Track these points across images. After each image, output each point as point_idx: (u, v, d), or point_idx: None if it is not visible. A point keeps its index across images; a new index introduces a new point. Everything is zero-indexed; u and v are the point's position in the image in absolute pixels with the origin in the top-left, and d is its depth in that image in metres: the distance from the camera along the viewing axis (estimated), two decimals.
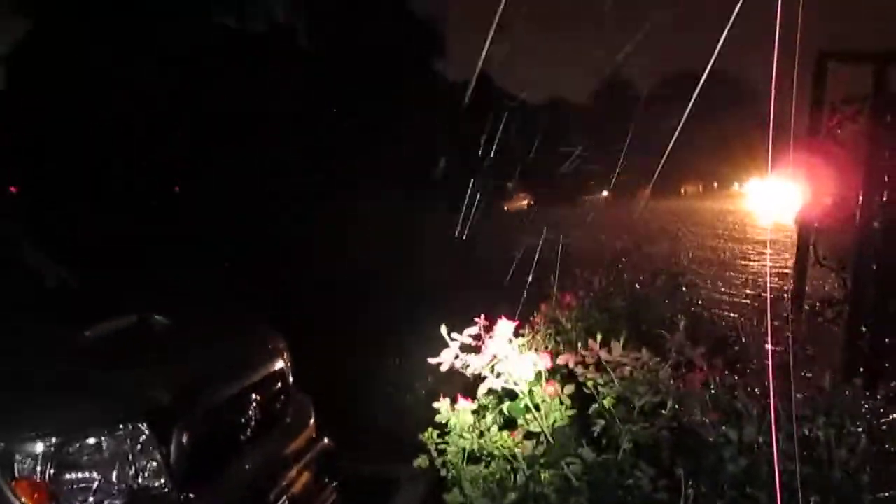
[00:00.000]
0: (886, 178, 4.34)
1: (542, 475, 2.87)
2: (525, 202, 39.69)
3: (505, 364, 3.04)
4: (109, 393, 2.76)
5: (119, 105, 23.19)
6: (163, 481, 2.69)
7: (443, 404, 3.23)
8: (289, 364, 3.69)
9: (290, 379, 3.69)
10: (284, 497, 3.19)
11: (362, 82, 30.86)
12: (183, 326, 3.53)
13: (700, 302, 5.21)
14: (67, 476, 2.57)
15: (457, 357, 3.07)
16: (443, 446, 3.21)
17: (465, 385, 3.30)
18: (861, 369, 4.02)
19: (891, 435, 2.52)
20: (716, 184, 64.03)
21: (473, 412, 3.22)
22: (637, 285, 4.69)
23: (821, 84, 4.50)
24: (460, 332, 3.12)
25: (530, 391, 3.07)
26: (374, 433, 5.04)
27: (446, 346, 3.10)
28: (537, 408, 3.07)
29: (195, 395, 2.94)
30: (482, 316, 3.14)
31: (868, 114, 4.47)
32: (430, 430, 3.26)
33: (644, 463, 2.69)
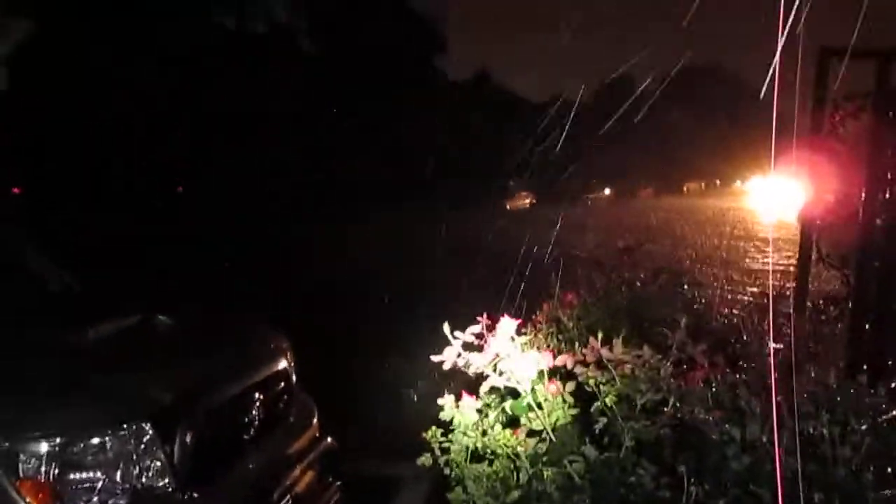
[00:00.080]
0: (889, 175, 4.33)
1: (545, 473, 2.87)
2: (527, 201, 39.69)
3: (507, 362, 3.04)
4: (113, 393, 2.77)
5: (121, 106, 23.20)
6: (166, 481, 2.70)
7: (446, 401, 3.23)
8: (292, 363, 3.69)
9: (294, 378, 3.70)
10: (288, 496, 3.19)
11: (362, 82, 30.87)
12: (186, 326, 3.54)
13: (702, 300, 5.21)
14: (71, 476, 2.58)
15: (459, 355, 3.07)
16: (446, 444, 3.21)
17: (467, 384, 3.31)
18: (864, 366, 4.01)
19: (894, 432, 2.52)
20: (718, 181, 64.00)
21: (477, 410, 3.22)
22: (638, 283, 4.69)
23: (823, 81, 4.49)
24: (462, 331, 3.12)
25: (533, 390, 3.08)
26: (374, 432, 5.05)
27: (448, 344, 3.11)
28: (540, 406, 3.07)
29: (198, 395, 2.94)
30: (485, 315, 3.14)
31: (870, 110, 4.47)
32: (433, 428, 3.27)
33: (646, 461, 2.69)
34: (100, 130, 23.19)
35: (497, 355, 3.06)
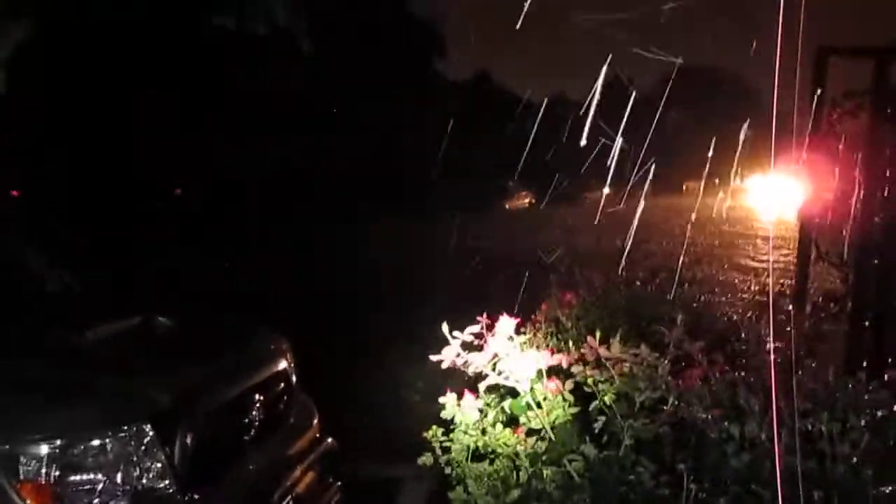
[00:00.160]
0: (887, 173, 4.34)
1: (545, 472, 2.88)
2: (526, 201, 39.62)
3: (506, 362, 3.05)
4: (113, 395, 2.77)
5: (120, 107, 23.20)
6: (167, 482, 2.70)
7: (448, 400, 3.24)
8: (292, 364, 3.69)
9: (294, 379, 3.70)
10: (289, 497, 3.19)
11: (361, 82, 30.87)
12: (186, 327, 3.54)
13: (701, 298, 5.21)
14: (72, 478, 2.58)
15: (458, 355, 3.07)
16: (447, 444, 3.21)
17: (468, 383, 3.31)
18: (864, 363, 4.02)
19: (893, 428, 2.52)
20: (717, 180, 63.96)
21: (479, 410, 3.23)
22: (637, 283, 4.69)
23: (821, 79, 4.50)
24: (463, 331, 3.12)
25: (531, 389, 3.08)
26: (371, 432, 5.05)
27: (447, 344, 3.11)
28: (539, 405, 3.08)
29: (198, 396, 2.94)
30: (484, 314, 3.15)
31: (868, 108, 4.47)
32: (434, 427, 3.27)
33: (646, 459, 2.69)
34: (98, 132, 23.20)
35: (496, 355, 3.06)
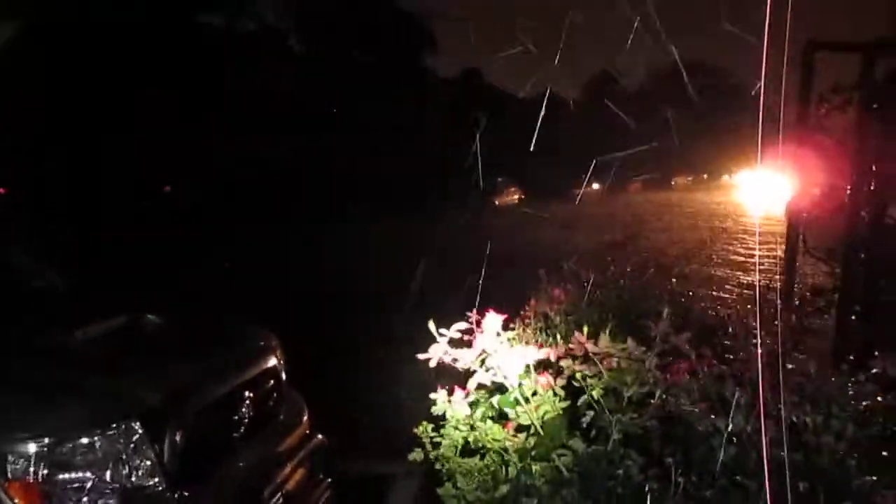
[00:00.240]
0: (874, 168, 4.37)
1: (533, 468, 2.89)
2: (516, 197, 39.64)
3: (494, 358, 3.05)
4: (101, 393, 2.76)
5: (109, 105, 23.08)
6: (156, 480, 2.69)
7: (438, 396, 3.25)
8: (281, 362, 3.69)
9: (283, 376, 3.69)
10: (279, 494, 3.20)
11: (350, 80, 30.79)
12: (174, 325, 3.53)
13: (689, 292, 5.23)
14: (61, 476, 2.57)
15: (446, 352, 3.08)
16: (438, 439, 3.22)
17: (458, 379, 3.31)
18: (851, 356, 4.04)
19: (877, 419, 2.55)
20: (706, 175, 64.16)
21: (470, 404, 3.23)
22: (625, 278, 4.71)
23: (809, 74, 4.52)
24: (457, 325, 3.13)
25: (520, 384, 3.09)
26: (362, 429, 5.06)
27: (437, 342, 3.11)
28: (527, 400, 3.09)
29: (187, 394, 2.94)
30: (474, 310, 3.15)
31: (856, 103, 4.50)
32: (424, 423, 3.28)
33: (634, 453, 2.70)
34: (87, 130, 23.08)
35: (484, 351, 3.07)
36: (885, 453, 2.54)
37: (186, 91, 25.05)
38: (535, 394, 3.11)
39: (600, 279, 4.64)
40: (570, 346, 3.06)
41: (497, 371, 3.07)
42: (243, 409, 3.24)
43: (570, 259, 4.93)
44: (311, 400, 3.85)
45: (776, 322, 3.35)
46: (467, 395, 3.22)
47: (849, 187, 4.42)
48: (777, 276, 4.82)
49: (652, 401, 2.78)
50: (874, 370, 2.85)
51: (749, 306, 4.61)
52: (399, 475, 4.63)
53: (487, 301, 3.42)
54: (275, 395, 3.57)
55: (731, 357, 3.15)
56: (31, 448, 2.53)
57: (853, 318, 4.36)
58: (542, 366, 3.23)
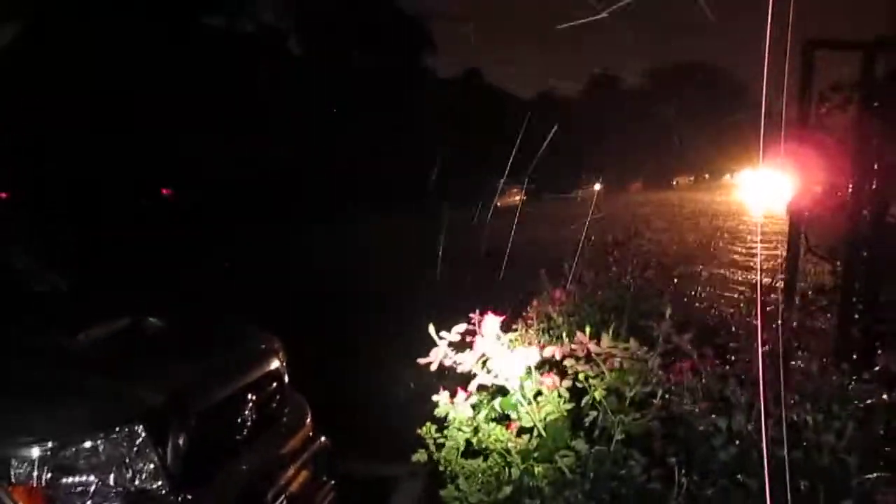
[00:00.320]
0: (875, 166, 4.37)
1: (536, 469, 2.88)
2: (517, 198, 39.64)
3: (495, 360, 3.05)
4: (104, 396, 2.77)
5: (108, 106, 23.10)
6: (160, 483, 2.70)
7: (441, 397, 3.24)
8: (284, 363, 3.69)
9: (286, 378, 3.70)
10: (282, 496, 3.20)
11: (350, 81, 30.80)
12: (177, 327, 3.53)
13: (691, 292, 5.24)
14: (64, 480, 2.57)
15: (446, 356, 3.08)
16: (441, 440, 3.22)
17: (461, 380, 3.31)
18: (853, 355, 4.05)
19: (878, 418, 2.55)
20: (707, 175, 64.21)
21: (472, 406, 3.23)
22: (628, 278, 4.71)
23: (809, 73, 4.52)
24: (459, 325, 3.12)
25: (521, 386, 3.08)
26: (365, 431, 5.05)
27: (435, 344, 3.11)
28: (529, 402, 3.08)
29: (190, 397, 2.94)
30: (477, 311, 3.15)
31: (857, 102, 4.50)
32: (428, 424, 3.28)
33: (637, 453, 2.70)
34: (87, 130, 23.10)
35: (485, 354, 3.06)
36: (886, 450, 2.54)
37: (186, 92, 25.06)
38: (539, 394, 3.11)
39: (602, 279, 4.64)
40: (573, 346, 3.06)
41: (498, 373, 3.06)
42: (246, 412, 3.24)
43: (570, 259, 4.93)
44: (313, 401, 3.85)
45: (778, 321, 3.35)
46: (469, 397, 3.22)
47: (850, 186, 4.42)
48: (779, 275, 4.81)
49: (654, 401, 2.78)
50: (876, 368, 2.85)
51: (751, 305, 4.61)
52: (402, 476, 4.63)
53: (488, 301, 3.42)
54: (277, 397, 3.57)
55: (733, 357, 3.15)
56: (35, 452, 2.53)
57: (855, 316, 4.36)
58: (547, 365, 3.24)
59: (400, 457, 3.68)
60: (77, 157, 23.00)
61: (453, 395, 3.23)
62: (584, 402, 2.98)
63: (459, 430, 3.20)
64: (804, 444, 2.46)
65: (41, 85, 22.92)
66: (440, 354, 3.08)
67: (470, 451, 3.22)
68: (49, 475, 2.54)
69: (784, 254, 4.81)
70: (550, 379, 3.11)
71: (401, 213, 24.31)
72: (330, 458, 3.69)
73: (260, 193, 25.13)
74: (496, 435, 3.12)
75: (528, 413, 3.06)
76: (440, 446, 3.21)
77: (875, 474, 2.38)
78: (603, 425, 2.85)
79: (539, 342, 3.69)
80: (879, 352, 4.14)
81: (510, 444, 3.06)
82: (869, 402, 2.56)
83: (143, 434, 2.68)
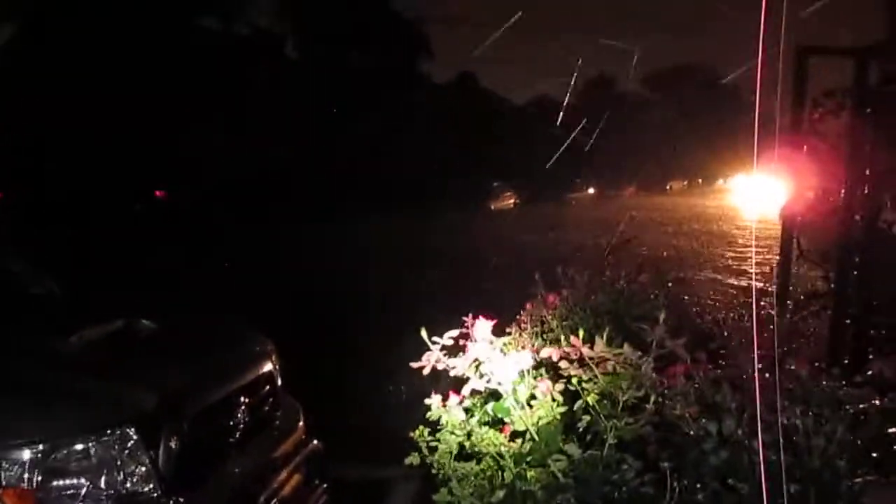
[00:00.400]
0: (867, 171, 4.39)
1: (529, 473, 2.88)
2: (511, 201, 39.73)
3: (488, 364, 3.05)
4: (96, 398, 2.76)
5: (103, 108, 23.06)
6: (151, 486, 2.69)
7: (434, 401, 3.24)
8: (277, 366, 3.68)
9: (279, 381, 3.69)
10: (274, 500, 3.19)
11: (344, 84, 30.83)
12: (170, 330, 3.52)
13: (684, 297, 5.24)
14: (55, 483, 2.56)
15: (439, 360, 3.08)
16: (434, 443, 3.22)
17: (454, 383, 3.31)
18: (845, 359, 4.06)
19: (868, 422, 2.56)
20: (700, 180, 64.45)
21: (465, 409, 3.23)
22: (621, 282, 4.71)
23: (801, 79, 4.54)
24: (455, 329, 3.12)
25: (514, 390, 3.08)
26: (358, 434, 5.05)
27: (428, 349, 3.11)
28: (522, 407, 3.08)
29: (183, 399, 2.93)
30: (470, 315, 3.15)
31: (849, 108, 4.52)
32: (420, 428, 3.27)
33: (630, 457, 2.71)
34: (81, 134, 23.05)
35: (477, 359, 3.06)
36: (874, 454, 2.55)
37: (183, 94, 25.04)
38: (532, 398, 3.11)
39: (595, 283, 4.65)
40: (566, 349, 3.06)
41: (491, 377, 3.06)
42: (239, 415, 3.24)
43: (563, 263, 4.94)
44: (305, 404, 3.85)
45: (771, 325, 3.36)
46: (462, 400, 3.22)
47: (843, 191, 4.44)
48: (772, 280, 4.83)
49: (647, 405, 2.78)
50: (868, 372, 2.86)
51: (744, 310, 4.63)
52: (395, 480, 4.62)
53: (482, 303, 3.42)
54: (270, 399, 3.57)
55: (726, 361, 3.15)
56: (26, 454, 2.52)
57: (847, 321, 4.38)
58: (544, 367, 3.24)
59: (392, 460, 3.67)
60: (75, 157, 22.95)
61: (445, 398, 3.23)
62: (577, 406, 2.98)
63: (452, 433, 3.20)
64: (796, 447, 2.46)
65: (37, 86, 22.87)
66: (433, 359, 3.08)
67: (463, 454, 3.21)
68: (40, 478, 2.53)
69: (777, 258, 4.83)
70: (544, 384, 3.11)
71: (397, 215, 24.34)
72: (322, 461, 3.69)
73: (258, 194, 25.14)
74: (489, 439, 3.12)
75: (521, 417, 3.06)
76: (433, 449, 3.21)
77: (865, 477, 2.39)
78: (596, 430, 2.85)
79: (533, 346, 3.69)
80: (871, 356, 4.16)
81: (503, 448, 3.06)
82: (860, 406, 2.57)
83: (135, 437, 2.67)
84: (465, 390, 3.13)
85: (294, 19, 34.42)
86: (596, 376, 2.95)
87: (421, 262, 13.42)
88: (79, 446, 2.60)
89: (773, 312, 4.04)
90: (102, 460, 2.61)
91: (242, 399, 3.27)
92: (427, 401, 3.26)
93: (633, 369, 2.87)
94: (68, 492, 2.58)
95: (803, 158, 4.63)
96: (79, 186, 22.64)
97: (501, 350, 3.13)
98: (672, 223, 25.87)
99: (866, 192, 4.38)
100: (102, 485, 2.61)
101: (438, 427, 3.25)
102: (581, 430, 2.94)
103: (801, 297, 4.80)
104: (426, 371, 3.11)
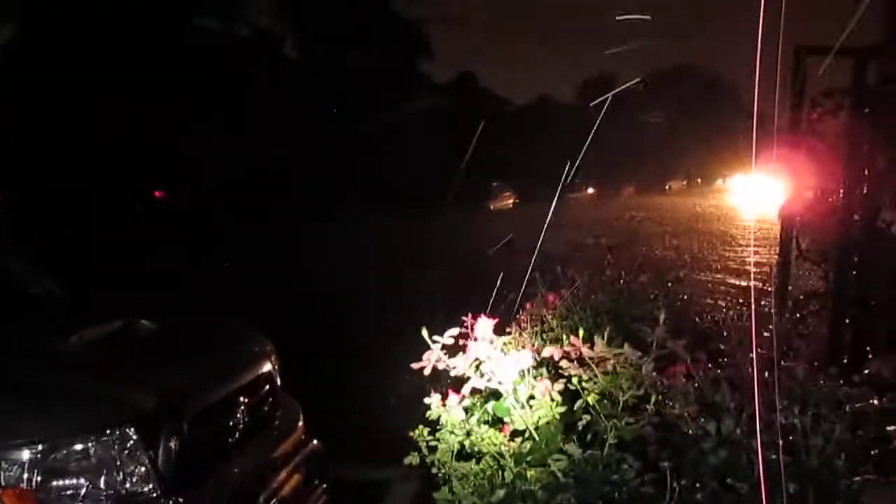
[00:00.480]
0: (866, 171, 4.39)
1: (529, 473, 2.88)
2: (510, 201, 39.70)
3: (488, 364, 3.05)
4: (96, 398, 2.76)
5: (102, 109, 23.06)
6: (151, 486, 2.69)
7: (433, 400, 3.24)
8: (276, 366, 3.69)
9: (278, 381, 3.69)
10: (274, 500, 3.19)
11: (344, 85, 30.84)
12: (169, 330, 3.53)
13: (684, 297, 5.25)
14: (55, 483, 2.57)
15: (439, 360, 3.08)
16: (434, 443, 3.22)
17: (454, 382, 3.31)
18: (844, 359, 4.07)
19: (867, 421, 2.57)
20: (700, 180, 64.52)
21: (465, 409, 3.23)
22: (621, 282, 4.72)
23: (800, 79, 4.54)
24: (455, 328, 3.12)
25: (514, 390, 3.08)
26: (358, 434, 5.05)
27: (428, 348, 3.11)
28: (522, 406, 3.08)
29: (182, 399, 2.94)
30: (470, 315, 3.15)
31: (848, 107, 4.52)
32: (420, 427, 3.27)
33: (630, 457, 2.71)
34: (81, 134, 23.06)
35: (477, 358, 3.06)
36: (873, 454, 2.56)
37: (182, 94, 25.04)
38: (532, 398, 3.11)
39: (595, 283, 4.66)
40: (566, 349, 3.06)
41: (492, 377, 3.06)
42: (238, 415, 3.24)
43: (563, 263, 4.94)
44: (305, 403, 3.85)
45: (770, 325, 3.36)
46: (462, 399, 3.22)
47: (841, 191, 4.45)
48: (771, 279, 4.83)
49: (648, 405, 2.79)
50: (867, 372, 2.86)
51: (744, 309, 4.62)
52: (395, 479, 4.62)
53: (482, 302, 3.42)
54: (270, 400, 3.57)
55: (726, 361, 3.15)
56: (25, 454, 2.53)
57: (846, 320, 4.38)
58: (543, 365, 3.24)
59: (392, 460, 3.67)
60: (73, 158, 22.95)
61: (445, 398, 3.23)
62: (577, 405, 2.99)
63: (452, 433, 3.20)
64: (793, 447, 2.47)
65: (37, 86, 22.88)
66: (433, 358, 3.08)
67: (463, 453, 3.21)
68: (39, 478, 2.53)
69: (776, 258, 4.83)
70: (543, 384, 3.11)
71: (397, 215, 24.35)
72: (322, 461, 3.69)
73: (258, 194, 25.14)
74: (489, 438, 3.12)
75: (521, 417, 3.06)
76: (433, 449, 3.21)
77: (864, 477, 2.40)
78: (596, 429, 2.85)
79: (533, 345, 3.69)
80: (870, 356, 4.17)
81: (503, 448, 3.06)
82: (858, 405, 2.58)
83: (135, 437, 2.67)
84: (466, 389, 3.13)
85: (294, 19, 34.42)
86: (596, 376, 2.95)
87: (421, 261, 13.43)
88: (79, 446, 2.60)
89: (772, 312, 4.04)
90: (102, 460, 2.62)
91: (242, 399, 3.27)
92: (427, 400, 3.26)
93: (633, 369, 2.88)
94: (68, 492, 2.58)
95: (802, 158, 4.63)
96: (79, 186, 22.62)
97: (502, 349, 3.13)
98: (671, 223, 25.89)
99: (865, 191, 4.38)
100: (102, 485, 2.61)
101: (438, 427, 3.25)
102: (581, 429, 2.94)
103: (800, 297, 4.81)
104: (427, 371, 3.11)
